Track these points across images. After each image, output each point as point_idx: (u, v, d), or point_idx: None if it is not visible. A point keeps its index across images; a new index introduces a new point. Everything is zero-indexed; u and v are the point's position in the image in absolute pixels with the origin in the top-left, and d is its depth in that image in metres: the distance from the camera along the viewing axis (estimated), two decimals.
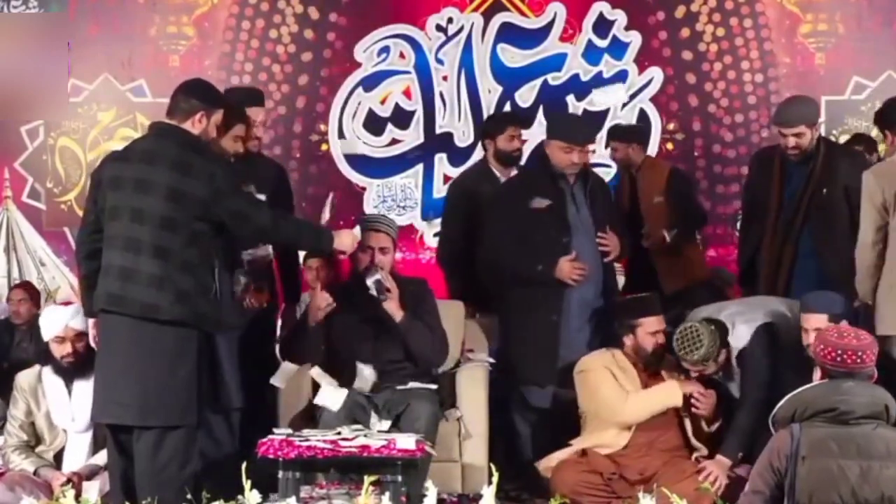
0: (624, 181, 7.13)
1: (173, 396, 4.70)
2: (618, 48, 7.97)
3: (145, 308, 4.68)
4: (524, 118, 7.31)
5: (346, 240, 5.12)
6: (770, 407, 4.65)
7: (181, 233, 4.69)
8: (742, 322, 5.45)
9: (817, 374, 4.58)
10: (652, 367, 5.61)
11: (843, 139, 7.58)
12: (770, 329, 5.44)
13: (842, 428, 4.08)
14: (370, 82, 8.07)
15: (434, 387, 5.61)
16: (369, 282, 5.46)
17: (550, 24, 7.99)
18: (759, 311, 5.53)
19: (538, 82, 7.99)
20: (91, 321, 5.03)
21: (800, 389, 4.25)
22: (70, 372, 5.35)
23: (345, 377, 5.57)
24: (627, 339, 5.62)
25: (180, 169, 4.68)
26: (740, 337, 5.42)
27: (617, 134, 7.10)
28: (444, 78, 8.04)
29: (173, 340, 4.70)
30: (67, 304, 5.42)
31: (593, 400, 5.57)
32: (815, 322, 5.21)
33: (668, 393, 5.50)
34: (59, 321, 5.36)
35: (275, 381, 5.63)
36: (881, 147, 6.87)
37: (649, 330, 5.57)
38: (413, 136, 8.05)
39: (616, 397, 5.48)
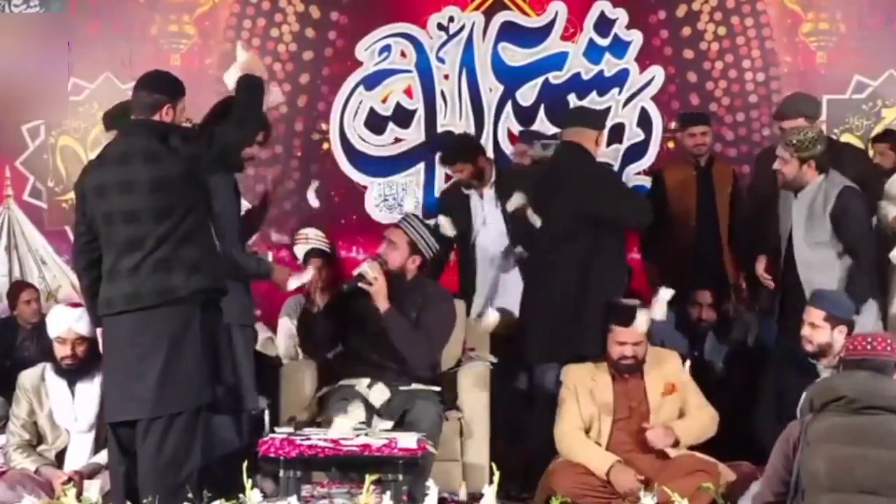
0: None
1: (185, 378, 4.69)
2: (619, 47, 7.95)
3: (162, 293, 4.67)
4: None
5: (281, 275, 5.52)
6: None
7: (177, 212, 4.69)
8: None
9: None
10: (629, 373, 5.56)
11: (843, 138, 7.58)
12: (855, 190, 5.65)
13: (850, 417, 4.14)
14: (371, 81, 8.06)
15: (437, 388, 5.61)
16: (357, 269, 5.60)
17: (552, 23, 7.98)
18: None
19: (539, 81, 7.97)
20: (99, 330, 4.97)
21: (818, 380, 4.45)
22: (72, 373, 5.34)
23: (356, 373, 5.58)
24: (608, 337, 5.60)
25: (153, 160, 4.69)
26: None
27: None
28: (446, 77, 8.02)
29: (173, 323, 4.69)
30: (77, 305, 5.38)
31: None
32: (812, 316, 5.26)
33: (596, 461, 5.37)
34: (63, 322, 5.35)
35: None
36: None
37: (617, 339, 5.54)
38: (414, 135, 8.05)
39: (566, 428, 5.46)
